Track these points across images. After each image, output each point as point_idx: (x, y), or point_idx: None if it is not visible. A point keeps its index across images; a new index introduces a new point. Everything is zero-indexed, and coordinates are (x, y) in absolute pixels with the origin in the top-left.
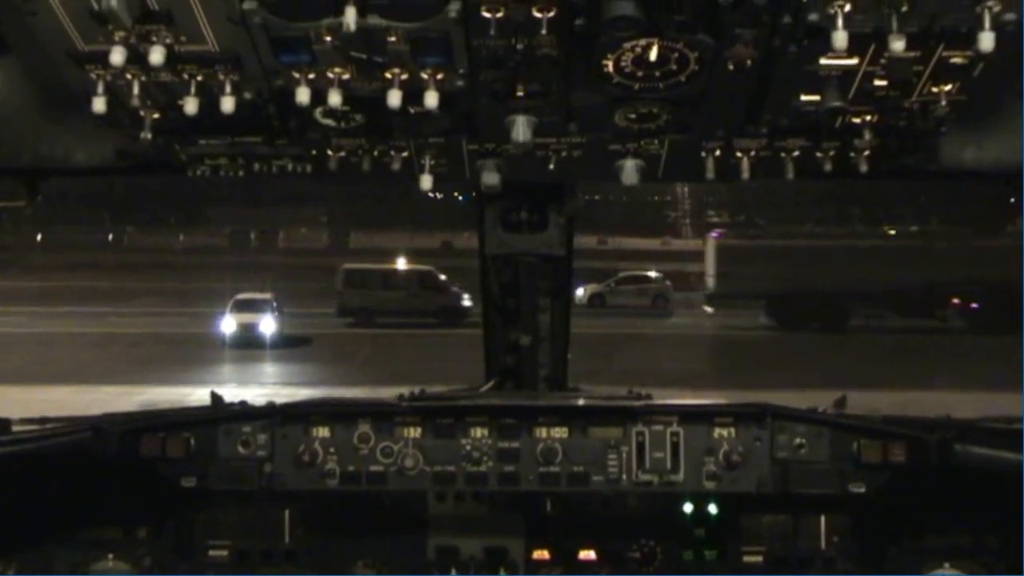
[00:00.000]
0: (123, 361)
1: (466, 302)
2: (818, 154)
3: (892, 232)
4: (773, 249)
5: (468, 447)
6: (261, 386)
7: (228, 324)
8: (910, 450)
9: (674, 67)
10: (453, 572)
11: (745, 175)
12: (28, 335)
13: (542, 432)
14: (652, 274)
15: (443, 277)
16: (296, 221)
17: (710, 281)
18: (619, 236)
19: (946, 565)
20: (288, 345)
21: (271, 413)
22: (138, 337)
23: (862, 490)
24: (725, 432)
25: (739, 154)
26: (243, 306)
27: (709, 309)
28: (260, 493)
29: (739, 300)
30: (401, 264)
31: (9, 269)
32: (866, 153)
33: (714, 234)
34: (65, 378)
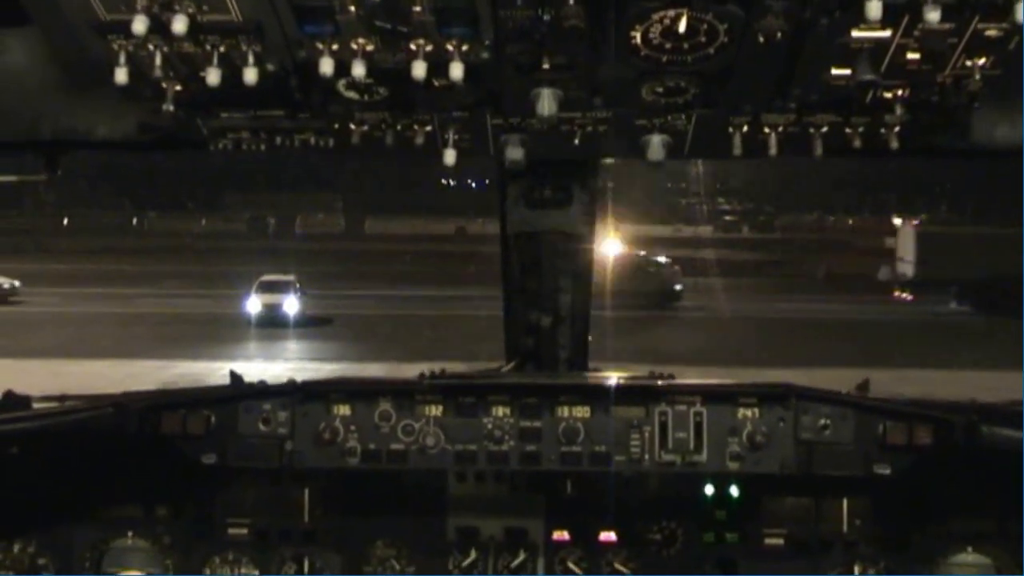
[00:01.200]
0: (155, 339)
1: (678, 286)
2: (847, 130)
3: None
4: (970, 237)
5: (489, 426)
6: (286, 361)
7: (253, 304)
8: (936, 432)
9: (703, 39)
10: (473, 552)
11: (773, 151)
12: (63, 314)
13: (564, 411)
14: (661, 259)
15: (663, 260)
16: (313, 207)
17: (907, 268)
18: (633, 223)
19: (969, 549)
20: (311, 325)
21: (292, 391)
22: (167, 317)
23: (887, 472)
24: (749, 413)
25: (767, 130)
26: (268, 287)
27: (907, 296)
28: (280, 471)
29: (933, 286)
30: (617, 249)
31: (36, 252)
32: (896, 129)
33: (914, 222)
34: (103, 353)
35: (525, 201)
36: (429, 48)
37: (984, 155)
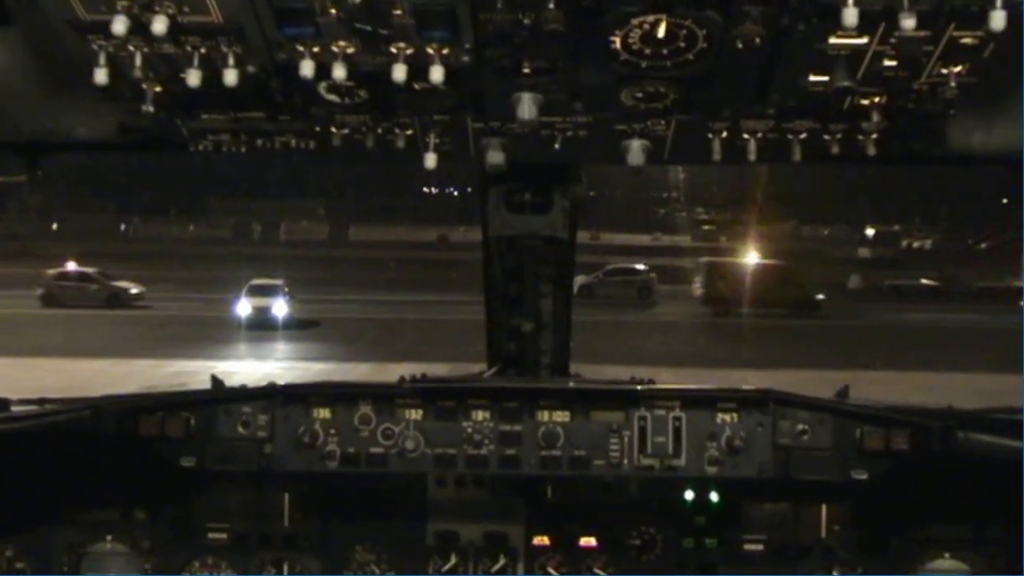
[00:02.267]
0: (151, 339)
1: (820, 296)
2: (825, 137)
3: None
4: None
5: (469, 430)
6: (276, 361)
7: (243, 307)
8: (912, 438)
9: (682, 44)
10: (453, 557)
11: (752, 157)
12: (58, 316)
13: (544, 416)
14: (638, 267)
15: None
16: (297, 214)
17: None
18: (612, 232)
19: (946, 555)
20: (299, 327)
21: (272, 394)
22: (160, 319)
23: (864, 477)
24: (728, 417)
25: (746, 136)
26: (257, 291)
27: None
28: (260, 474)
29: None
30: (754, 259)
31: (25, 258)
32: (873, 136)
33: None
34: (102, 353)
35: (506, 205)
36: (409, 51)
37: (960, 162)
